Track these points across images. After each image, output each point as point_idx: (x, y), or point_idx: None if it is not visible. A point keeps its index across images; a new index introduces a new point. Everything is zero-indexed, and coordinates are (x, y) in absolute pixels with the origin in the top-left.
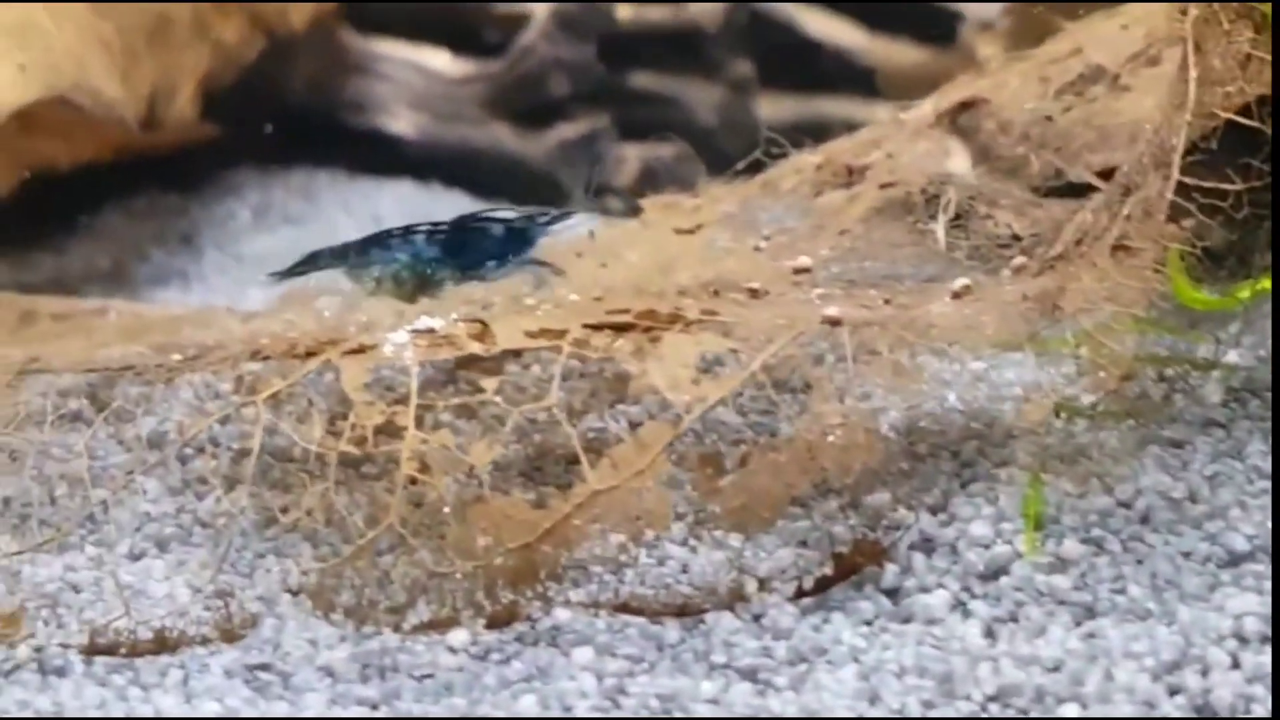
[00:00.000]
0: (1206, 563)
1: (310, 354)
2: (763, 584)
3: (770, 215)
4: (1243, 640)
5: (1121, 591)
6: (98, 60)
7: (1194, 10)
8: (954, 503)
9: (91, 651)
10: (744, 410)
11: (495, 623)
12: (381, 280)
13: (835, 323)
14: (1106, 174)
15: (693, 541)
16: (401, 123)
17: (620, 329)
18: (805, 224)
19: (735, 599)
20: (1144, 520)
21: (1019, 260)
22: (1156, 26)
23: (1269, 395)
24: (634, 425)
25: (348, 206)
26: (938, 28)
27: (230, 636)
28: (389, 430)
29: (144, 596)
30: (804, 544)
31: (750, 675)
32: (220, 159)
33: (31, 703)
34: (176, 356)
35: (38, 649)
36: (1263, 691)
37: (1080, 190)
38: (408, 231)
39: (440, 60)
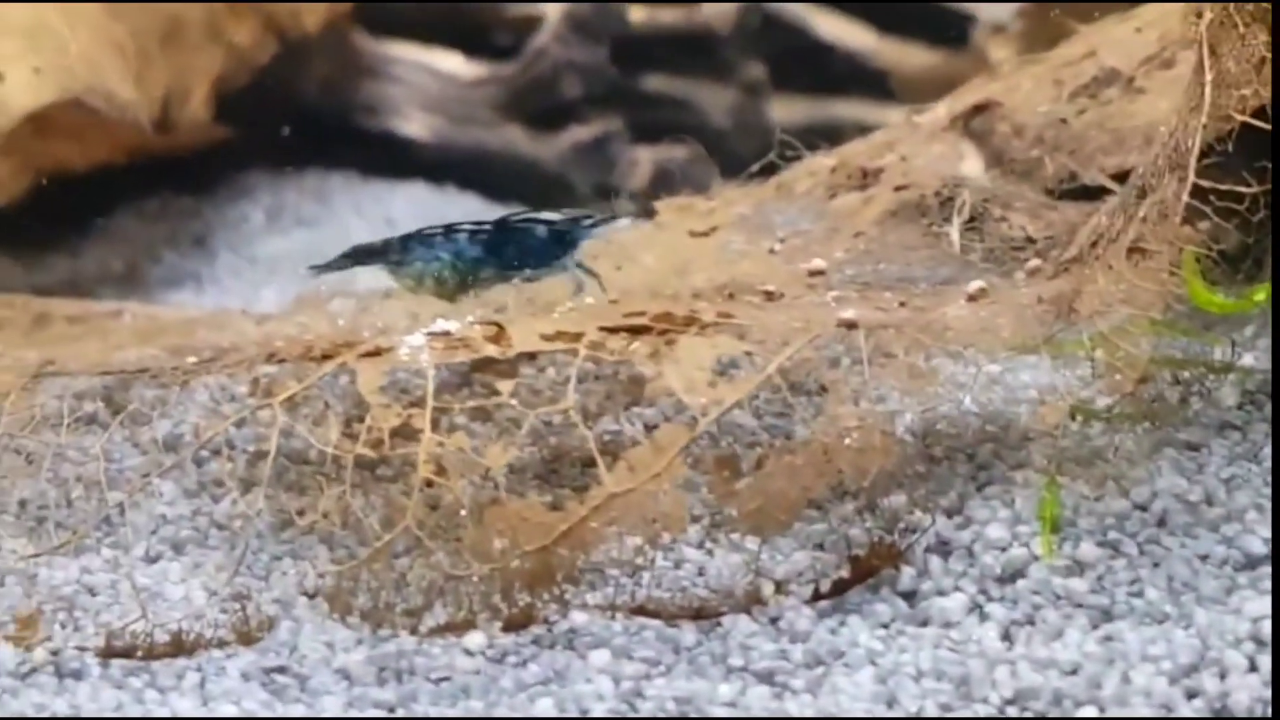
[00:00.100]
0: (1223, 566)
1: (326, 357)
2: (779, 587)
3: (785, 218)
4: (1260, 643)
5: (1139, 594)
6: (111, 63)
7: (1209, 13)
8: (970, 505)
9: (108, 654)
10: (760, 413)
11: (512, 625)
12: (423, 278)
13: (851, 325)
14: (1121, 177)
15: (709, 544)
16: (414, 125)
17: (636, 332)
18: (820, 227)
19: (752, 602)
20: (1160, 523)
21: (1034, 263)
22: (1170, 29)
23: None
24: (650, 428)
25: (361, 209)
26: (950, 30)
27: (247, 639)
28: (405, 433)
29: (160, 599)
30: (820, 547)
31: (767, 678)
32: (233, 161)
33: (48, 705)
34: (192, 359)
35: (54, 652)
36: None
37: (1095, 193)
38: (450, 230)
39: (453, 62)
